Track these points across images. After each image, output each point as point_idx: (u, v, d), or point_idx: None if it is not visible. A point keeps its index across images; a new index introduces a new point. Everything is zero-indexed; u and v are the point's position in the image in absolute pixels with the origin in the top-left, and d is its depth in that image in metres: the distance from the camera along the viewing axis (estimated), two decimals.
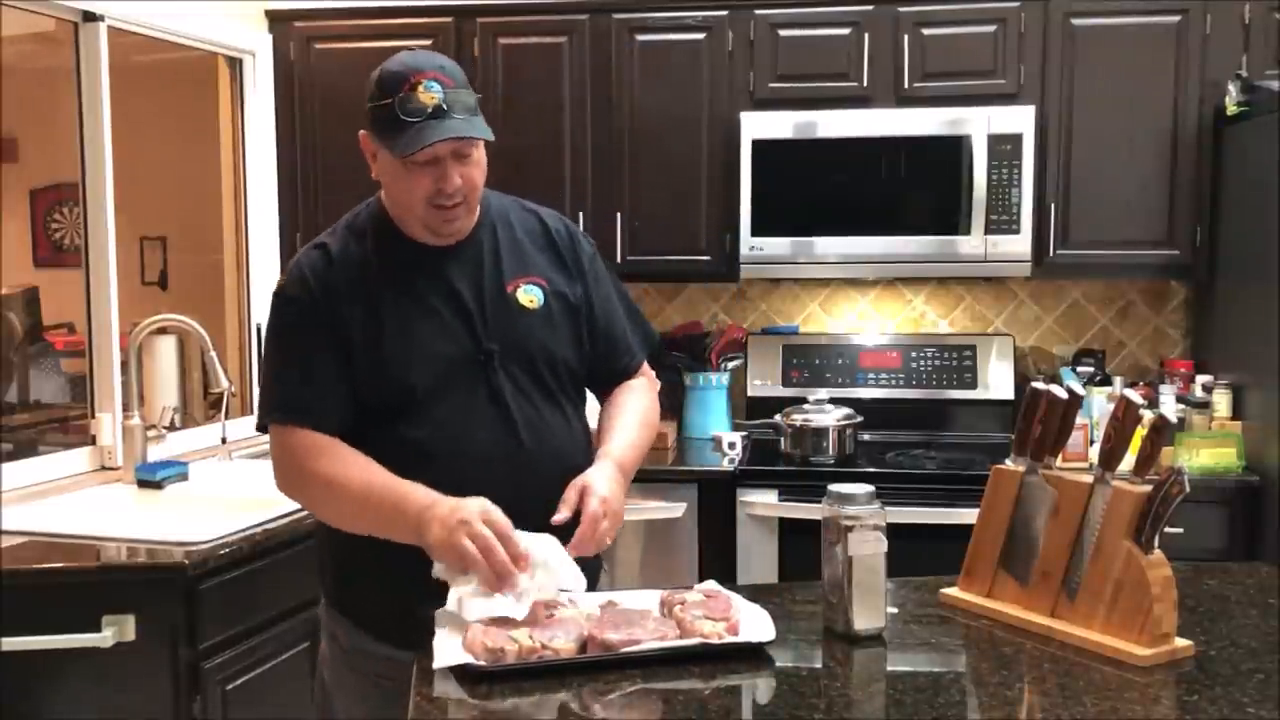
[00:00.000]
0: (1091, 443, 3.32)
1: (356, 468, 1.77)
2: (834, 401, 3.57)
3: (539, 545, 1.66)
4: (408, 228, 1.88)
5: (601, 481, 1.78)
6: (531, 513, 1.70)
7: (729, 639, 1.58)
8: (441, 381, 1.83)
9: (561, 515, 1.73)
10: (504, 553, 1.61)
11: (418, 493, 1.70)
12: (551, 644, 1.53)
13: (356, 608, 1.91)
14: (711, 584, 1.79)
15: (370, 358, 1.82)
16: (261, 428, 1.88)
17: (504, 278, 1.91)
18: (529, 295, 1.91)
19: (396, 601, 1.78)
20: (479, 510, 1.64)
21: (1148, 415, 1.68)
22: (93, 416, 3.23)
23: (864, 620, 1.66)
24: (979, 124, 3.51)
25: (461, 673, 1.51)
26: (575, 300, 1.97)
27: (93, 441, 3.22)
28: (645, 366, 2.11)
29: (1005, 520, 1.79)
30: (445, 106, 1.76)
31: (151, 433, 3.21)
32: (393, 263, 1.87)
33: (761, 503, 3.37)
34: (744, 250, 3.63)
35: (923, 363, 3.88)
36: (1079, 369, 3.72)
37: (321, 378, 1.82)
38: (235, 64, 3.86)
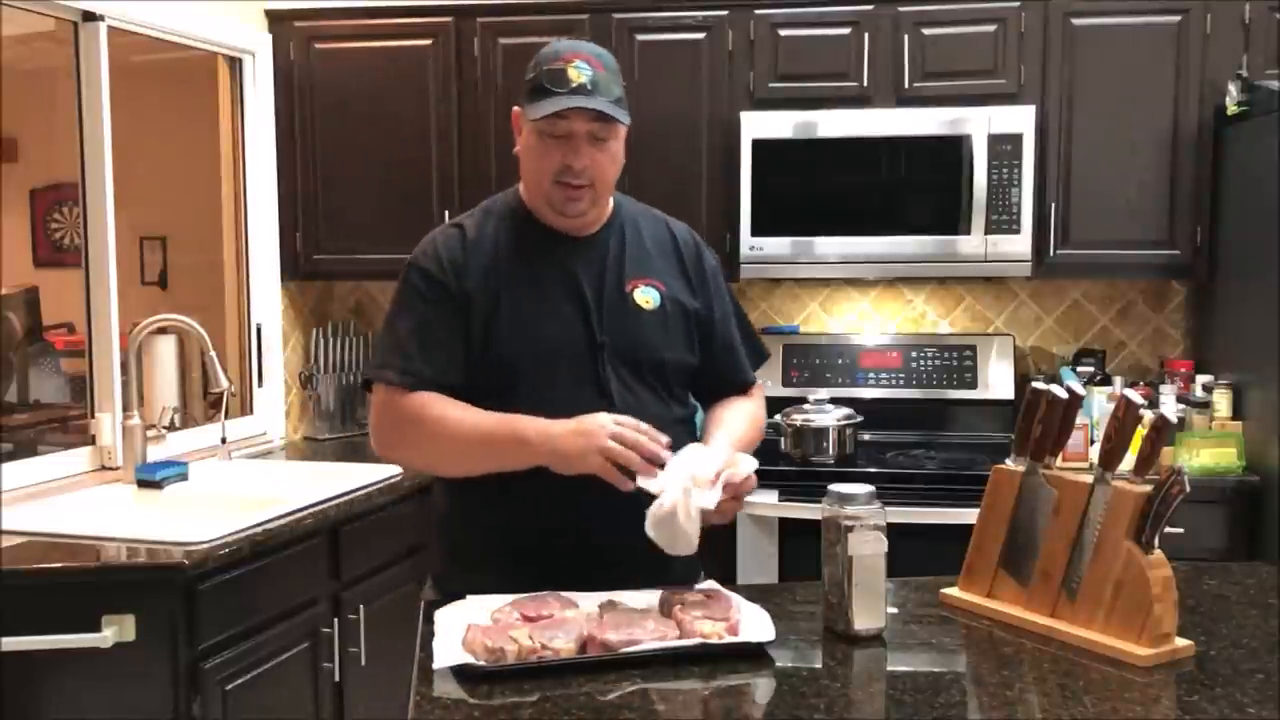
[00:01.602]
0: (1091, 443, 3.32)
1: (461, 408, 1.85)
2: (834, 401, 3.57)
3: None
4: (536, 207, 1.94)
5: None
6: (625, 502, 1.72)
7: (729, 639, 1.58)
8: (549, 367, 1.88)
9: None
10: (647, 440, 1.72)
11: (533, 420, 1.79)
12: (551, 644, 1.53)
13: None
14: (711, 584, 1.79)
15: (481, 334, 1.88)
16: (367, 381, 1.96)
17: (624, 277, 1.96)
18: (645, 296, 1.97)
19: (513, 586, 1.77)
20: (608, 418, 1.75)
21: (1148, 415, 1.67)
22: (92, 416, 3.23)
23: (864, 620, 1.66)
24: (979, 124, 3.51)
25: (461, 673, 1.51)
26: (692, 309, 2.02)
27: (92, 441, 3.21)
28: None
29: (1005, 520, 1.79)
30: (589, 86, 1.83)
31: (151, 433, 3.21)
32: (521, 246, 1.93)
33: (761, 503, 3.36)
34: (744, 250, 3.63)
35: (923, 363, 3.88)
36: (1079, 369, 3.72)
37: (435, 344, 1.88)
38: (235, 64, 3.85)
